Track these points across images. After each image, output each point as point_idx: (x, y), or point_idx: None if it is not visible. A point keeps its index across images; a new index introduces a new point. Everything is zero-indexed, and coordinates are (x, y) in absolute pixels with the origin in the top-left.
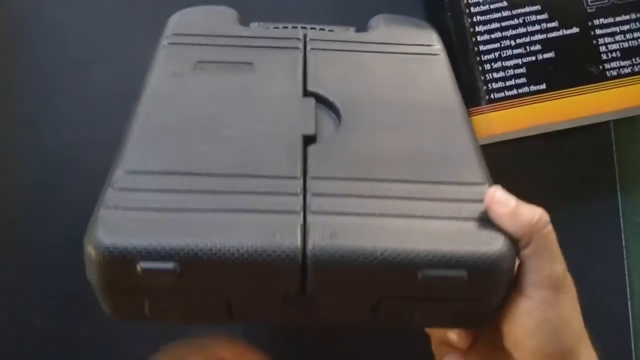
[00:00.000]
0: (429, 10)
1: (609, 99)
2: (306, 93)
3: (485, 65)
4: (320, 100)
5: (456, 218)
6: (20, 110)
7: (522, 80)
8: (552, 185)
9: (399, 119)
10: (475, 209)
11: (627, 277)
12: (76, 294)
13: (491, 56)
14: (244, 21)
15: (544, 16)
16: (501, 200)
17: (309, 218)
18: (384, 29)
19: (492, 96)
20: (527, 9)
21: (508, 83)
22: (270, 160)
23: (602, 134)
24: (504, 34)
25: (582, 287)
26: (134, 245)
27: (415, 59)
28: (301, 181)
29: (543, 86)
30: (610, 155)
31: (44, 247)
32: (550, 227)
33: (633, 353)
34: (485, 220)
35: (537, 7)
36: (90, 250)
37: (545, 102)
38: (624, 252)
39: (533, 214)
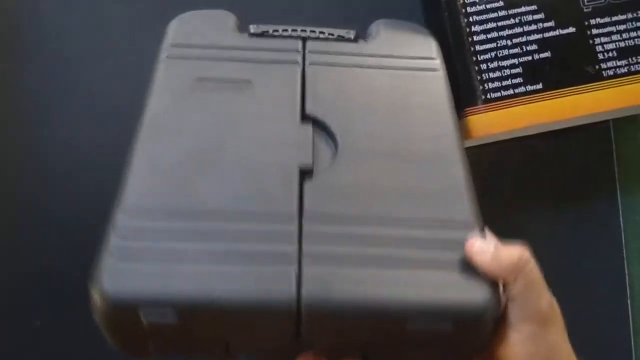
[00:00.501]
0: (426, 9)
1: (606, 99)
2: (304, 117)
3: (481, 65)
4: (318, 124)
5: (444, 266)
6: (19, 110)
7: (519, 80)
8: (552, 185)
9: (395, 149)
10: (463, 255)
11: (627, 277)
12: (76, 294)
13: (487, 56)
14: (243, 24)
15: (541, 16)
16: (481, 249)
17: (304, 268)
18: (383, 39)
19: (488, 96)
20: (523, 9)
21: (504, 83)
22: (268, 198)
23: (601, 134)
24: (501, 33)
25: (583, 287)
26: (137, 297)
27: (414, 76)
28: (297, 223)
29: (539, 86)
30: (610, 155)
31: (44, 247)
32: (532, 263)
33: (633, 353)
34: (472, 268)
35: (533, 7)
36: (96, 297)
37: (542, 102)
38: (624, 252)
39: (513, 255)
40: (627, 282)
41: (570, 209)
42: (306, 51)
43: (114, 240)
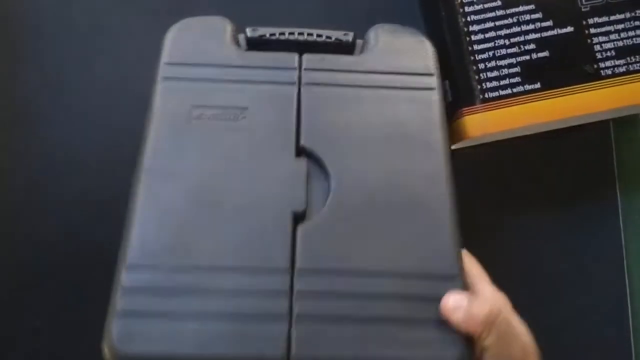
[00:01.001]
0: (424, 9)
1: (604, 98)
2: (299, 150)
3: (479, 65)
4: (313, 157)
5: (425, 322)
6: (19, 110)
7: (517, 79)
8: (552, 185)
9: (387, 193)
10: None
11: (627, 277)
12: (76, 294)
13: (485, 55)
14: (240, 27)
15: (538, 15)
16: (455, 307)
17: (294, 327)
18: (380, 51)
19: (486, 95)
20: (521, 8)
21: (502, 82)
22: (262, 252)
23: (600, 134)
24: (498, 33)
25: (582, 287)
26: (144, 355)
27: (411, 100)
28: (289, 275)
29: (537, 85)
30: (609, 155)
31: (44, 247)
32: (503, 314)
33: (633, 353)
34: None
35: (531, 7)
36: (107, 352)
37: (540, 102)
38: (624, 252)
39: (484, 309)
40: (627, 282)
41: (570, 209)
42: (302, 68)
43: (121, 298)
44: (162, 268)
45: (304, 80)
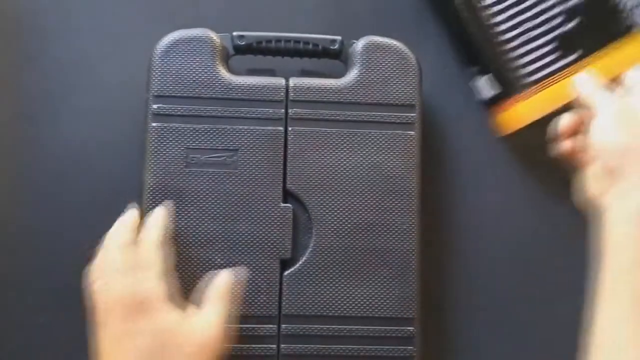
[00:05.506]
0: (440, 14)
1: None
2: (285, 193)
3: (513, 53)
4: (297, 201)
5: (389, 357)
6: (23, 108)
7: (554, 56)
8: (552, 185)
9: (362, 237)
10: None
11: None
12: (77, 292)
13: (517, 42)
14: (227, 30)
15: None
16: None
17: None
18: (365, 76)
19: (527, 80)
20: None
21: (540, 63)
22: (253, 297)
23: None
24: (525, 16)
25: (582, 287)
26: None
27: (391, 139)
28: (277, 320)
29: (575, 55)
30: None
31: (45, 245)
32: None
33: None
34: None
35: None
36: None
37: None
38: None
39: None
40: None
41: (570, 208)
42: (289, 99)
43: None
44: None
45: (290, 113)
